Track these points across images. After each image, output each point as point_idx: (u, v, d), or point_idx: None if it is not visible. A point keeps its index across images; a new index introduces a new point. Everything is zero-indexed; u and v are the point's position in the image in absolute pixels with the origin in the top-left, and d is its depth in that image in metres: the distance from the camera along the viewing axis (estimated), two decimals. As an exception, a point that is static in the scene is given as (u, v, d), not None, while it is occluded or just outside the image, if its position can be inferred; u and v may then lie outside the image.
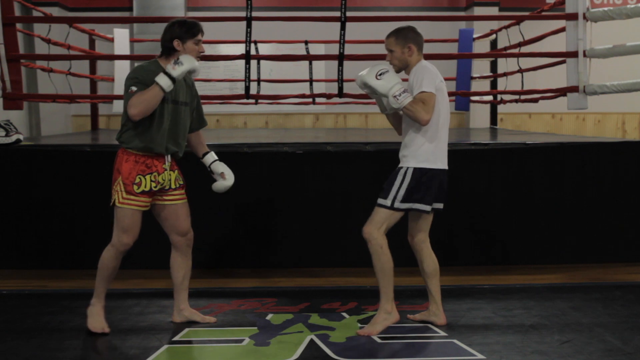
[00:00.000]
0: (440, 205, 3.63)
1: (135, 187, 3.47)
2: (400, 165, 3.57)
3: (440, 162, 3.56)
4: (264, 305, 4.02)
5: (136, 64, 3.54)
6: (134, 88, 3.41)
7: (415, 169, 3.50)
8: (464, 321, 3.74)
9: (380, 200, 3.54)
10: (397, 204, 3.50)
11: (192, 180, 5.02)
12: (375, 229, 3.50)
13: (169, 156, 3.58)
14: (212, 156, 3.79)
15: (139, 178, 3.48)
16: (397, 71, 3.63)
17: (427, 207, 3.55)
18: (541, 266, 5.03)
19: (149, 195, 3.53)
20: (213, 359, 3.20)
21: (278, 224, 5.07)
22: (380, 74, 3.46)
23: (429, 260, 3.66)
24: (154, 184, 3.52)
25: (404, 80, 3.51)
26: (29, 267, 4.95)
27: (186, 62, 3.40)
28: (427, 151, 3.51)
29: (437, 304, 3.68)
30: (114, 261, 3.54)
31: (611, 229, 5.18)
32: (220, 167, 3.77)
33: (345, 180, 5.05)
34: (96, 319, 3.56)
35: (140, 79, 3.44)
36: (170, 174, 3.60)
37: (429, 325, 3.64)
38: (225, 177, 3.76)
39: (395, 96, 3.42)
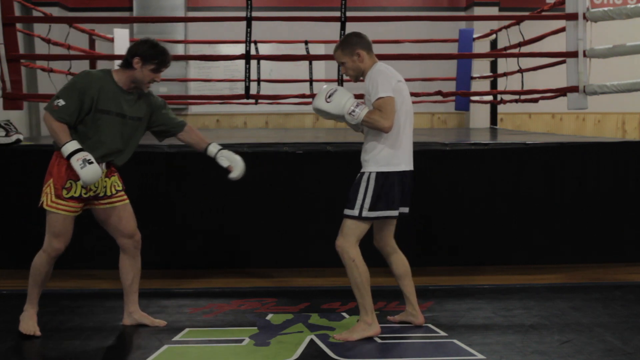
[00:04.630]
0: (406, 210, 3.51)
1: (64, 191, 3.39)
2: (362, 171, 3.46)
3: (404, 163, 3.45)
4: (264, 305, 4.02)
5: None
6: (60, 102, 3.32)
7: (377, 173, 3.39)
8: (464, 321, 3.74)
9: (347, 211, 3.43)
10: (365, 213, 3.39)
11: (197, 179, 5.04)
12: (346, 242, 3.41)
13: (104, 164, 3.47)
14: (213, 148, 3.64)
15: (70, 183, 3.40)
16: (355, 80, 3.54)
17: (395, 213, 3.45)
18: (541, 266, 5.03)
19: (78, 201, 3.44)
20: (213, 359, 3.20)
21: (278, 224, 5.06)
22: (329, 96, 3.37)
23: (399, 262, 3.60)
24: (84, 191, 3.43)
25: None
26: (29, 267, 4.92)
27: (86, 175, 3.27)
28: (388, 154, 3.39)
29: (413, 304, 3.64)
30: (47, 266, 3.50)
31: (611, 229, 5.18)
32: (224, 161, 3.62)
33: (345, 180, 5.01)
34: (28, 323, 3.51)
35: (74, 92, 3.33)
36: (105, 181, 3.51)
37: (429, 325, 3.64)
38: (232, 169, 3.61)
39: (350, 113, 3.34)
